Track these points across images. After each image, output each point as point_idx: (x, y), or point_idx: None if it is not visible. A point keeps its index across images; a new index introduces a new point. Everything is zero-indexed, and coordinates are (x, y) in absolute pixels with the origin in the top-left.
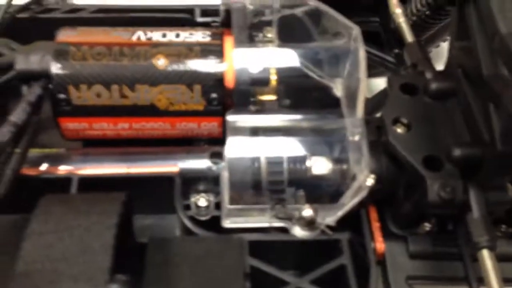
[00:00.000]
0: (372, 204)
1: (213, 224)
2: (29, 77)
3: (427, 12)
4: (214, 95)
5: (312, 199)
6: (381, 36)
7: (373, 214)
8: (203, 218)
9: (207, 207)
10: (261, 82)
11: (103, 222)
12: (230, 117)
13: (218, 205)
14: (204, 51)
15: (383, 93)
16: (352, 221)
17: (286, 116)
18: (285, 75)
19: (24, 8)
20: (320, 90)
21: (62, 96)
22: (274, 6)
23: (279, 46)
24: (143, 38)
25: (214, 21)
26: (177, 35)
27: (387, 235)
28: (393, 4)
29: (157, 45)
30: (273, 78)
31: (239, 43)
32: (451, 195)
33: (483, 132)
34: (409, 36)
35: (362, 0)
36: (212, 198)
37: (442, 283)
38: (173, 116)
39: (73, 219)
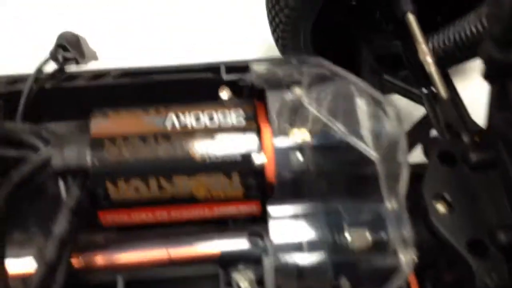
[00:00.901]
0: (412, 273)
1: None
2: (66, 173)
3: (455, 51)
4: (252, 182)
5: (355, 283)
6: (403, 60)
7: (413, 285)
8: None
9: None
10: (301, 170)
11: None
12: (271, 208)
13: (260, 283)
14: (241, 138)
15: (416, 130)
16: None
17: (325, 198)
18: (324, 158)
19: (49, 77)
20: (360, 166)
21: (100, 191)
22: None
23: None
24: (177, 124)
25: (240, 79)
26: (211, 118)
27: None
28: (424, 52)
29: (192, 133)
30: (312, 164)
31: (277, 132)
32: (497, 283)
33: None
34: (443, 91)
35: (383, 26)
36: (252, 275)
37: None
38: (211, 203)
39: None
